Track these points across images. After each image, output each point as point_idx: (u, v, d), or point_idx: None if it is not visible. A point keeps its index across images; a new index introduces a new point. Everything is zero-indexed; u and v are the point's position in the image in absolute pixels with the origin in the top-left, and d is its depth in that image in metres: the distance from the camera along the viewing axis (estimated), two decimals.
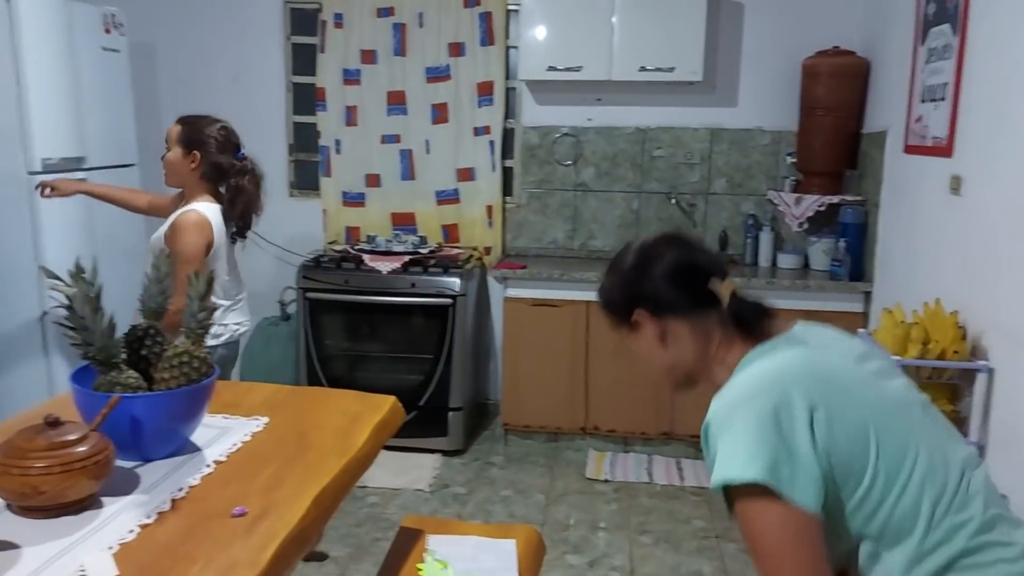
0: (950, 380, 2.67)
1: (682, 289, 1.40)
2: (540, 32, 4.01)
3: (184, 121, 2.64)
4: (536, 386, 4.06)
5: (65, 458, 1.41)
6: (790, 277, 3.95)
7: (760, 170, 4.33)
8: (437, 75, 4.41)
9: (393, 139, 4.48)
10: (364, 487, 3.60)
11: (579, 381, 4.03)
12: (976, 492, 1.23)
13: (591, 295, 3.87)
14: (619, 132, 4.38)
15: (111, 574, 1.24)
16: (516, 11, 4.26)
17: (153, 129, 3.92)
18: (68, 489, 1.41)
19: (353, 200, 4.57)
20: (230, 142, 2.66)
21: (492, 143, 4.42)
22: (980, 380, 2.54)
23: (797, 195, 4.08)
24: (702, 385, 1.44)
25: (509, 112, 4.45)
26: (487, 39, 4.34)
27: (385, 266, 4.00)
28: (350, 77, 4.46)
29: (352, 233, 4.56)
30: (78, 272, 1.55)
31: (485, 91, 4.39)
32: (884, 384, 1.31)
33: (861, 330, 3.22)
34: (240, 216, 2.69)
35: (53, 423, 1.46)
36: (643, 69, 4.00)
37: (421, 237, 4.36)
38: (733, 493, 1.20)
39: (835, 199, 3.98)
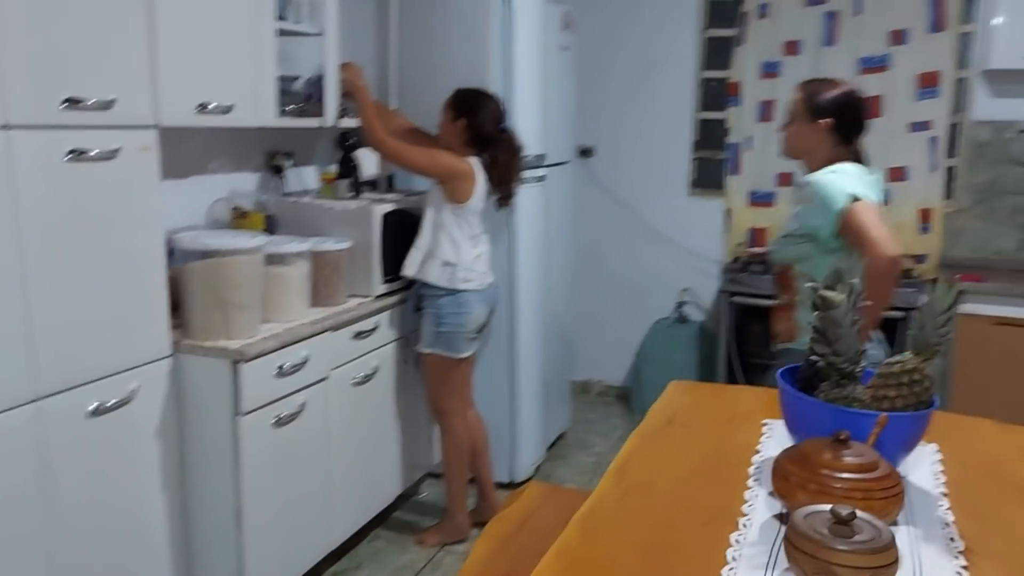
0: None
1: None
2: (1017, 14, 3.50)
3: (456, 91, 2.82)
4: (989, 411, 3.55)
5: (864, 484, 1.23)
6: None
7: None
8: (872, 65, 4.02)
9: None
10: None
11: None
12: None
13: None
14: None
15: None
16: None
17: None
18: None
19: (761, 200, 4.29)
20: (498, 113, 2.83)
21: (934, 139, 3.96)
22: None
23: None
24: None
25: (957, 106, 3.96)
26: (936, 24, 3.89)
27: None
28: (769, 70, 4.18)
29: (757, 234, 4.29)
30: (837, 279, 1.38)
31: (929, 82, 3.94)
32: None
33: None
34: (499, 183, 2.82)
35: (843, 440, 1.28)
36: None
37: None
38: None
39: None
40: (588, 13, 4.31)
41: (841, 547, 0.99)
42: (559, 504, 2.14)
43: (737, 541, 1.26)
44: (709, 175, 4.45)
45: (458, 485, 2.92)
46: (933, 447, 1.68)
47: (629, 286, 4.56)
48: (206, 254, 2.18)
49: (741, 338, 3.86)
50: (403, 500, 3.22)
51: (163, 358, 2.15)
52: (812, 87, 2.21)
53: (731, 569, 1.18)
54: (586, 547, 1.27)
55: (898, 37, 3.97)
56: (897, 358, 1.46)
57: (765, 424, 1.80)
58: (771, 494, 1.37)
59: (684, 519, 1.37)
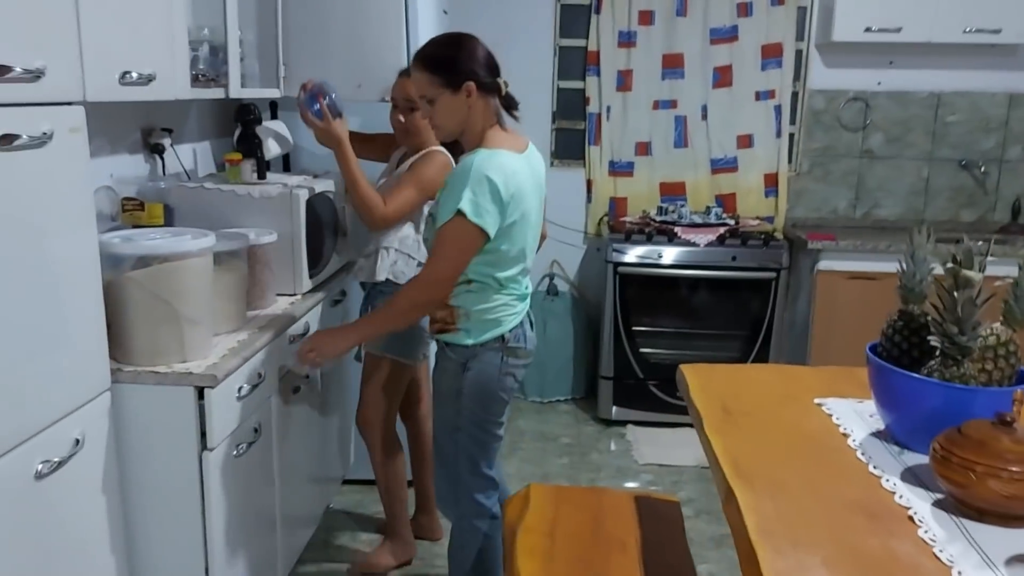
0: None
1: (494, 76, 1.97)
2: None
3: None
4: (849, 363, 3.91)
5: None
6: None
7: None
8: (721, 36, 4.20)
9: (668, 104, 4.27)
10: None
11: None
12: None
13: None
14: (911, 97, 4.21)
15: None
16: None
17: None
18: (1021, 502, 1.25)
19: (621, 170, 4.36)
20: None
21: (778, 108, 4.23)
22: None
23: None
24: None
25: (797, 75, 4.25)
26: None
27: (702, 238, 3.81)
28: (625, 40, 4.22)
29: (618, 204, 4.36)
30: (969, 258, 1.37)
31: (772, 53, 4.19)
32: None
33: None
34: None
35: (1008, 422, 1.28)
36: (968, 31, 3.82)
37: (718, 208, 4.17)
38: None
39: None
40: None
41: None
42: (577, 506, 2.03)
43: (933, 540, 1.22)
44: (570, 145, 4.43)
45: (399, 501, 2.67)
46: None
47: None
48: (145, 260, 1.76)
49: (627, 309, 3.91)
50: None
51: (103, 392, 1.71)
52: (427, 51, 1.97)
53: (959, 573, 1.14)
54: (781, 558, 1.16)
55: (744, 9, 4.16)
56: (989, 331, 1.50)
57: (820, 404, 1.79)
58: (911, 482, 1.36)
59: (846, 519, 1.31)
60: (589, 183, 4.38)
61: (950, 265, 1.38)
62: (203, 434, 1.79)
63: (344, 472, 3.04)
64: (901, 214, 4.32)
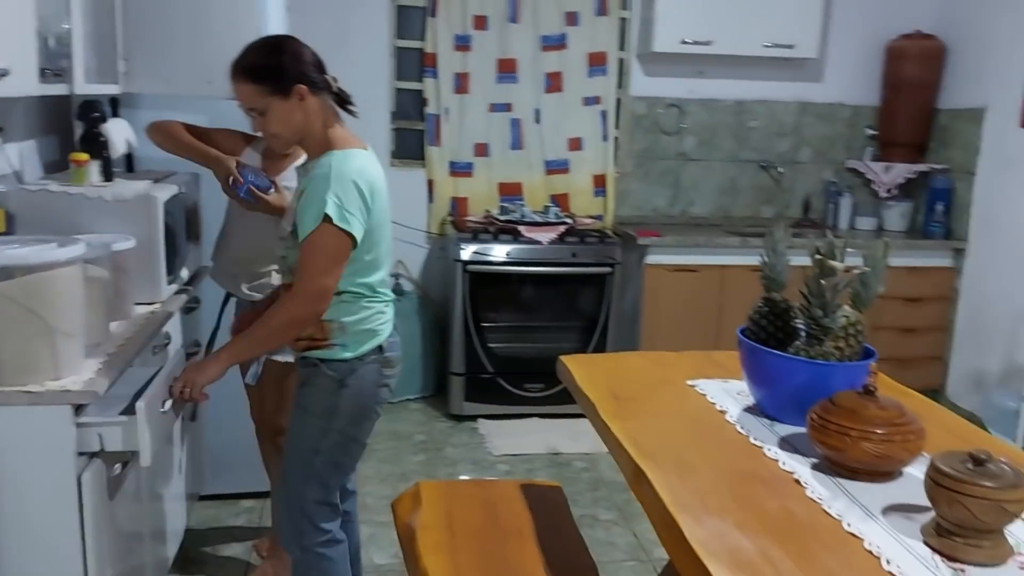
0: None
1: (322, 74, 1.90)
2: (674, 5, 4.15)
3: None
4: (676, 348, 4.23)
5: (902, 427, 1.45)
6: (875, 238, 4.40)
7: (841, 141, 4.75)
8: (552, 44, 4.39)
9: (503, 107, 4.41)
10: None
11: (710, 344, 4.26)
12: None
13: (729, 259, 4.12)
14: (719, 104, 4.62)
15: None
16: None
17: None
18: (889, 460, 1.46)
19: (461, 170, 4.45)
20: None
21: (604, 113, 4.49)
22: None
23: (886, 164, 4.55)
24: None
25: (619, 83, 4.53)
26: (601, 9, 4.38)
27: (544, 236, 3.98)
28: (461, 43, 4.32)
29: (459, 204, 4.45)
30: (832, 250, 1.57)
31: (598, 61, 4.44)
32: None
33: None
34: None
35: (872, 392, 1.49)
36: (767, 45, 4.26)
37: (555, 207, 4.35)
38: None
39: (923, 168, 4.49)
40: None
41: (988, 483, 1.19)
42: (468, 500, 2.09)
43: (820, 499, 1.40)
44: (409, 145, 4.46)
45: None
46: None
47: None
48: (8, 271, 1.61)
49: (476, 306, 4.00)
50: None
51: None
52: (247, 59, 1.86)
53: (848, 524, 1.32)
54: (700, 526, 1.29)
55: (572, 18, 4.38)
56: (840, 313, 1.72)
57: (693, 385, 1.96)
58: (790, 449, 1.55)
59: (745, 487, 1.47)
60: (430, 183, 4.43)
61: (817, 256, 1.58)
62: (82, 454, 1.67)
63: (201, 488, 2.90)
64: (712, 211, 4.73)
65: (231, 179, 2.22)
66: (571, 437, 3.76)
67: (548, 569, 1.77)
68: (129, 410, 1.75)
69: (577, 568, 1.82)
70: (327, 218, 1.77)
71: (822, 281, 1.58)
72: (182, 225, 2.52)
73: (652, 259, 4.17)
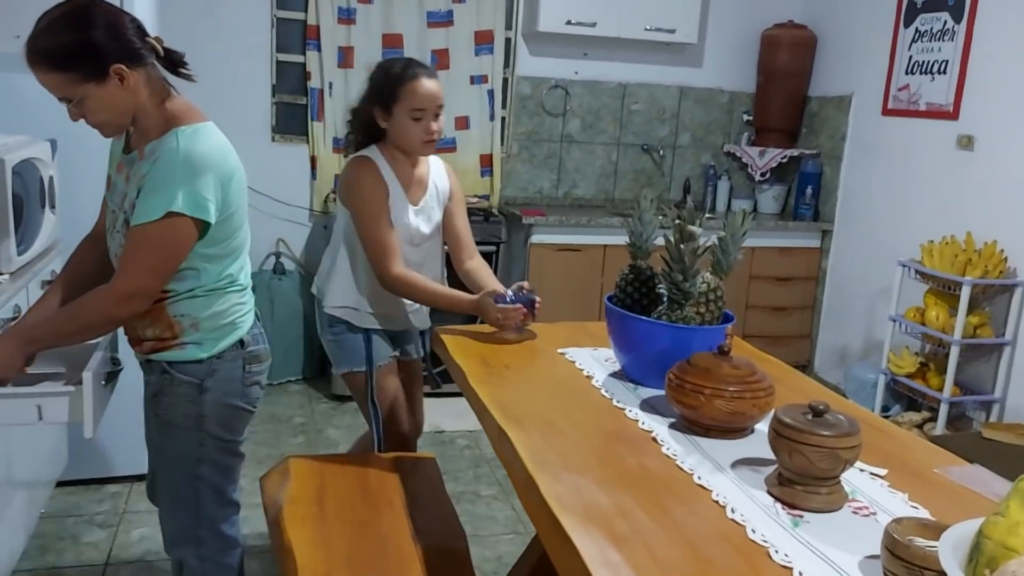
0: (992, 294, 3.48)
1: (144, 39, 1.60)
2: None
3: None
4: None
5: (753, 385, 1.51)
6: (754, 219, 4.60)
7: (718, 126, 4.91)
8: (438, 20, 4.35)
9: None
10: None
11: (594, 318, 4.34)
12: None
13: (610, 240, 4.21)
14: (603, 86, 4.69)
15: None
16: None
17: None
18: (741, 417, 1.52)
19: (345, 147, 4.34)
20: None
21: (491, 92, 4.48)
22: (1017, 292, 3.37)
23: (760, 148, 4.73)
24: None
25: (506, 62, 4.53)
26: None
27: None
28: (345, 16, 4.22)
29: None
30: (691, 216, 1.61)
31: (484, 39, 4.43)
32: None
33: (902, 259, 3.95)
34: None
35: (726, 352, 1.54)
36: (649, 29, 4.35)
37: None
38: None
39: (795, 152, 4.69)
40: None
41: (824, 432, 1.25)
42: (340, 474, 2.05)
43: (675, 455, 1.44)
44: (291, 120, 4.33)
45: None
46: None
47: None
48: None
49: None
50: None
51: None
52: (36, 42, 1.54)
53: (699, 478, 1.36)
54: (558, 483, 1.30)
55: None
56: (702, 279, 1.78)
57: (563, 353, 1.98)
58: (649, 410, 1.59)
59: (606, 445, 1.49)
60: (313, 159, 4.32)
61: (677, 221, 1.62)
62: None
63: (57, 474, 2.75)
64: (594, 193, 4.81)
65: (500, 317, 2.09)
66: (454, 415, 3.76)
67: (417, 538, 1.75)
68: None
69: (447, 536, 1.82)
70: (174, 209, 1.54)
71: (681, 246, 1.62)
72: (35, 192, 2.36)
73: (537, 239, 4.20)
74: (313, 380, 4.18)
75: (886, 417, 3.71)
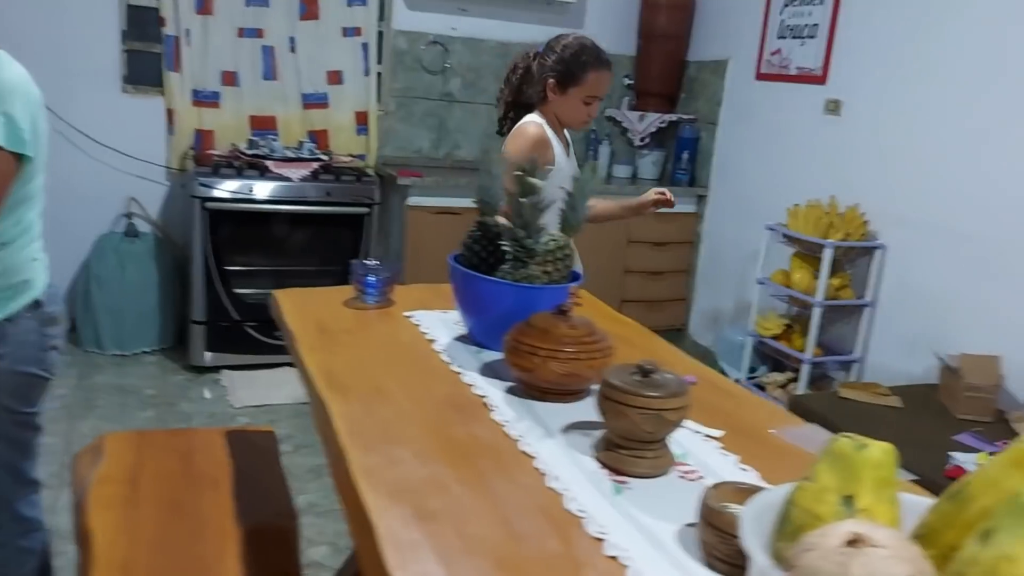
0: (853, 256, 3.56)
1: None
2: None
3: None
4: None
5: (590, 346, 1.44)
6: (633, 184, 4.59)
7: None
8: None
9: (254, 33, 4.08)
10: None
11: None
12: None
13: None
14: (484, 45, 4.55)
15: None
16: None
17: None
18: (576, 378, 1.45)
19: (205, 100, 4.08)
20: None
21: (365, 45, 4.28)
22: (877, 255, 3.45)
23: (640, 113, 4.70)
24: None
25: (380, 15, 4.32)
26: None
27: (295, 173, 3.74)
28: None
29: (204, 136, 4.08)
30: (532, 170, 1.50)
31: None
32: None
33: (770, 222, 3.98)
34: None
35: (565, 312, 1.46)
36: None
37: (311, 143, 4.10)
38: None
39: (674, 117, 4.68)
40: None
41: (650, 393, 1.18)
42: (161, 450, 1.89)
43: (505, 421, 1.35)
44: (145, 70, 4.01)
45: None
46: None
47: (61, 199, 3.87)
48: None
49: (218, 247, 3.69)
50: None
51: None
52: None
53: (527, 445, 1.27)
54: (371, 455, 1.19)
55: None
56: (547, 237, 1.68)
57: (408, 316, 1.86)
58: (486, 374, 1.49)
59: (437, 414, 1.39)
60: (170, 113, 4.03)
61: (518, 173, 1.51)
62: None
63: None
64: (477, 155, 4.68)
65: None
66: None
67: (240, 519, 1.61)
68: None
69: (276, 515, 1.68)
70: None
71: (523, 200, 1.52)
72: None
73: (413, 201, 4.05)
74: (170, 351, 3.92)
75: (752, 379, 3.77)
